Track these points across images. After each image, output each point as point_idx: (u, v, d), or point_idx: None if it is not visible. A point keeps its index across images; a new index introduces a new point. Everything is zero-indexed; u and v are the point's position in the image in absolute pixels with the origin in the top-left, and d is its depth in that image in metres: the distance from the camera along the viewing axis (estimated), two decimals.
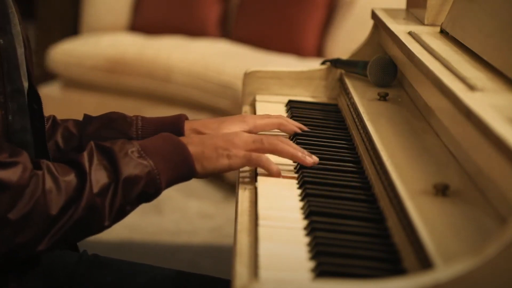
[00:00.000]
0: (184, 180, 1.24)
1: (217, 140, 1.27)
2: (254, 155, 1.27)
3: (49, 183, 1.11)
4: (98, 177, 1.15)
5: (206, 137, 1.29)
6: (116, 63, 3.86)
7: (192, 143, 1.25)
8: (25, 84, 1.25)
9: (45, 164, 1.13)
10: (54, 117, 1.48)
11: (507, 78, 1.23)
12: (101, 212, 1.14)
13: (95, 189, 1.13)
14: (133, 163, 1.17)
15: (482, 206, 1.06)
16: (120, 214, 1.17)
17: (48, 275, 1.36)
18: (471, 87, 1.19)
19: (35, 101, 1.29)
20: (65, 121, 1.47)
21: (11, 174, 1.09)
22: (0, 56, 1.18)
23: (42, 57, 4.23)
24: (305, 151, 1.32)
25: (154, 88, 3.77)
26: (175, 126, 1.43)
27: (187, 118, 1.46)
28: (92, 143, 1.19)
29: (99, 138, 1.40)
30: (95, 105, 3.85)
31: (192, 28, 4.09)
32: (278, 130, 1.50)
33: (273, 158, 1.31)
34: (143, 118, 1.45)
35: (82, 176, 1.14)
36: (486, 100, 1.13)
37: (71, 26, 4.46)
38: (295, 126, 1.50)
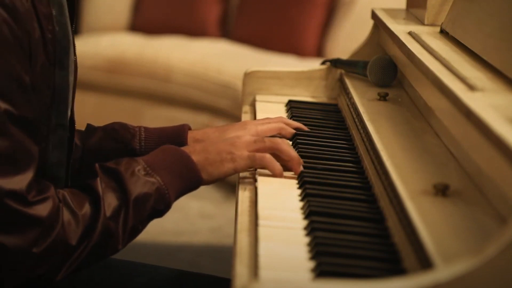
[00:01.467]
0: (192, 190, 1.25)
1: (220, 145, 1.27)
2: (258, 155, 1.27)
3: (66, 215, 1.12)
4: (109, 200, 1.15)
5: (208, 143, 1.29)
6: (116, 63, 3.86)
7: (195, 152, 1.25)
8: (67, 121, 1.23)
9: (61, 195, 1.13)
10: None
11: (507, 78, 1.23)
12: (115, 236, 1.15)
13: (108, 213, 1.14)
14: (141, 182, 1.17)
15: (482, 206, 1.06)
16: (133, 234, 1.18)
17: None
18: (471, 87, 1.19)
19: (71, 131, 1.27)
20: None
21: (43, 210, 1.09)
22: (53, 91, 1.17)
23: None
24: (300, 160, 1.32)
25: (154, 88, 3.77)
26: (178, 137, 1.42)
27: (190, 128, 1.45)
28: (97, 165, 1.19)
29: (101, 149, 1.41)
30: (94, 105, 3.85)
31: (192, 28, 4.09)
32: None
33: None
34: (146, 129, 1.44)
35: (96, 202, 1.14)
36: (486, 100, 1.13)
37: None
38: (295, 127, 1.50)
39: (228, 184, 3.45)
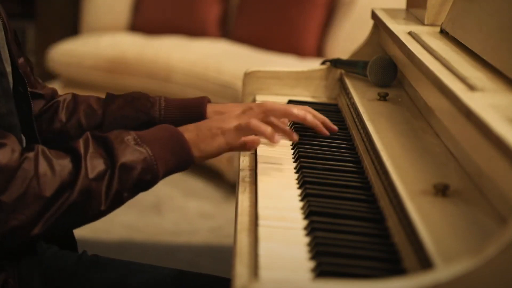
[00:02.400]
0: (183, 168, 1.24)
1: (211, 121, 1.29)
2: (243, 122, 1.27)
3: (43, 166, 1.11)
4: (95, 163, 1.15)
5: (201, 122, 1.29)
6: (116, 63, 3.86)
7: (187, 130, 1.25)
8: (8, 69, 1.25)
9: (40, 148, 1.13)
10: (74, 95, 1.50)
11: (507, 78, 1.23)
12: (97, 197, 1.14)
13: (91, 175, 1.14)
14: (130, 150, 1.18)
15: (482, 206, 1.06)
16: (117, 200, 1.17)
17: (49, 275, 1.36)
18: (471, 87, 1.19)
19: (21, 84, 1.30)
20: (87, 97, 1.48)
21: (0, 156, 1.09)
22: None
23: (42, 57, 4.23)
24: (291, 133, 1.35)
25: (154, 88, 3.77)
26: (198, 108, 1.45)
27: (209, 101, 1.47)
28: (88, 133, 1.19)
29: (121, 116, 1.44)
30: None
31: (192, 28, 4.09)
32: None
33: (270, 154, 1.30)
34: (166, 99, 1.46)
35: (77, 160, 1.14)
36: (486, 100, 1.13)
37: (71, 26, 4.46)
38: (321, 120, 1.47)
39: (228, 184, 3.45)
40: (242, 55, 3.79)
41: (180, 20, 4.13)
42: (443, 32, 1.63)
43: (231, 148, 1.28)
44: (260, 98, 1.79)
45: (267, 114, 1.33)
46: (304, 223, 1.13)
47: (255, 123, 1.28)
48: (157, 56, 3.80)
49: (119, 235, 3.00)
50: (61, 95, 1.52)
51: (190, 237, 3.06)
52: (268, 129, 1.28)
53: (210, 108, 1.46)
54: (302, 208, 1.18)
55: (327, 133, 1.46)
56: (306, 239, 1.08)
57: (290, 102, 1.76)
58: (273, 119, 1.33)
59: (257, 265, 0.99)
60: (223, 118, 1.29)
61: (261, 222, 1.12)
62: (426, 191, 1.11)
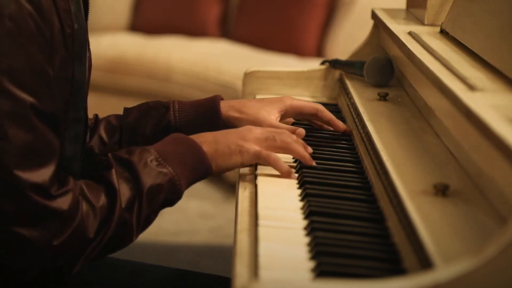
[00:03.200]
0: (202, 179, 1.26)
1: (230, 137, 1.29)
2: (264, 152, 1.28)
3: (85, 207, 1.13)
4: (123, 191, 1.16)
5: (219, 134, 1.30)
6: (116, 63, 3.86)
7: (206, 142, 1.26)
8: (84, 115, 1.25)
9: (79, 187, 1.14)
10: (96, 115, 1.50)
11: (507, 78, 1.23)
12: (130, 227, 1.16)
13: (123, 205, 1.15)
14: (154, 173, 1.19)
15: (482, 206, 1.06)
16: (146, 224, 1.20)
17: None
18: (471, 87, 1.19)
19: (86, 126, 1.29)
20: (107, 116, 1.49)
21: (63, 203, 1.10)
22: (72, 84, 1.17)
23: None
24: (309, 149, 1.34)
25: (154, 88, 3.77)
26: (212, 108, 1.44)
27: (222, 99, 1.47)
28: (110, 156, 1.20)
29: (139, 127, 1.44)
30: (95, 105, 3.83)
31: (192, 28, 4.09)
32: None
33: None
34: (179, 102, 1.46)
35: (112, 194, 1.15)
36: (486, 100, 1.13)
37: None
38: (332, 117, 1.51)
39: (228, 184, 3.45)
40: (242, 55, 3.79)
41: (180, 20, 4.13)
42: (443, 32, 1.63)
43: (243, 166, 1.31)
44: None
45: (286, 152, 1.32)
46: (304, 223, 1.13)
47: (275, 159, 1.29)
48: (157, 56, 3.80)
49: None
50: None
51: (190, 237, 3.06)
52: (285, 168, 1.29)
53: (224, 104, 1.45)
54: (302, 208, 1.18)
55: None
56: (306, 239, 1.07)
57: None
58: (294, 148, 1.32)
59: (257, 265, 0.99)
60: (244, 135, 1.29)
61: (261, 222, 1.12)
62: (426, 191, 1.11)
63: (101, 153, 1.44)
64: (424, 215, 1.03)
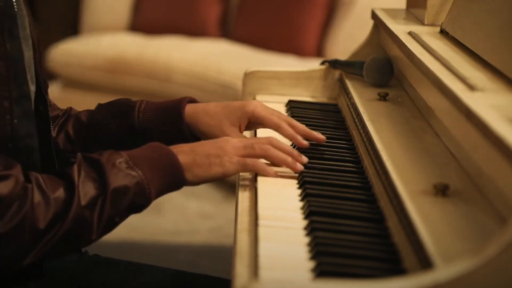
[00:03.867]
0: (174, 189, 1.22)
1: (208, 148, 1.25)
2: (249, 160, 1.25)
3: (37, 196, 1.10)
4: (87, 189, 1.13)
5: (196, 144, 1.26)
6: (116, 63, 3.86)
7: (183, 152, 1.22)
8: (32, 88, 1.24)
9: (34, 177, 1.12)
10: (70, 109, 1.50)
11: (507, 78, 1.23)
12: (89, 225, 1.12)
13: (83, 202, 1.12)
14: (122, 174, 1.15)
15: (482, 206, 1.06)
16: (109, 226, 1.15)
17: (49, 275, 1.36)
18: (471, 87, 1.19)
19: (42, 103, 1.29)
20: (79, 112, 1.48)
21: (3, 187, 1.08)
22: (7, 61, 1.16)
23: (42, 57, 4.23)
24: (295, 152, 1.30)
25: (154, 88, 3.78)
26: (175, 110, 1.41)
27: (192, 101, 1.43)
28: (79, 155, 1.18)
29: (104, 125, 1.42)
30: (95, 105, 3.84)
31: (192, 28, 4.09)
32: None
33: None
34: (147, 102, 1.44)
35: (71, 189, 1.12)
36: (486, 100, 1.13)
37: (71, 26, 4.46)
38: (298, 134, 1.39)
39: (228, 184, 3.45)
40: (242, 55, 3.79)
41: (180, 20, 4.13)
42: (443, 32, 1.63)
43: (226, 176, 1.26)
44: (260, 98, 1.79)
45: (266, 158, 1.29)
46: (304, 223, 1.13)
47: (262, 166, 1.26)
48: (157, 56, 3.80)
49: (119, 235, 3.00)
50: (60, 109, 1.51)
51: (190, 237, 3.06)
52: (274, 172, 1.27)
53: (189, 109, 1.41)
54: (302, 208, 1.18)
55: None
56: (306, 239, 1.07)
57: (290, 102, 1.76)
58: (274, 154, 1.28)
59: (257, 265, 0.99)
60: (222, 146, 1.25)
61: (261, 222, 1.12)
62: (426, 191, 1.11)
63: (66, 149, 1.42)
64: (424, 215, 1.03)
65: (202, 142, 1.30)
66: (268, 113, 1.40)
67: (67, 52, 4.00)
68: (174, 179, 1.20)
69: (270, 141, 1.29)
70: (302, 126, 1.40)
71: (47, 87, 1.45)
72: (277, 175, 1.28)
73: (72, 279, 1.39)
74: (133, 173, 1.16)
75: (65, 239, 1.12)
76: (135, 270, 1.44)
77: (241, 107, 1.41)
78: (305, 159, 1.30)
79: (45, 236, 1.10)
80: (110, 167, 1.15)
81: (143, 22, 4.21)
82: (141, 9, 4.22)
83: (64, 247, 1.14)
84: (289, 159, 1.29)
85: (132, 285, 1.40)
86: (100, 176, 1.14)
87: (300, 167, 1.29)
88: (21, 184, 1.10)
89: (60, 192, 1.12)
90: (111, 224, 1.16)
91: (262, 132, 1.49)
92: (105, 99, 4.41)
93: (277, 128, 1.39)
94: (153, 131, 1.41)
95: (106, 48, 3.93)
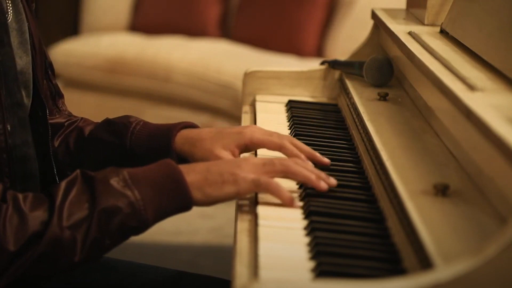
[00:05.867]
0: (182, 210, 1.15)
1: (224, 166, 1.17)
2: (263, 180, 1.15)
3: (12, 217, 1.05)
4: (74, 210, 1.07)
5: (212, 163, 1.19)
6: (116, 63, 3.86)
7: (194, 171, 1.15)
8: (26, 97, 1.21)
9: (12, 197, 1.07)
10: (80, 119, 1.45)
11: (507, 78, 1.23)
12: (70, 247, 1.06)
13: (67, 223, 1.06)
14: (114, 194, 1.08)
15: (482, 206, 1.06)
16: (97, 248, 1.09)
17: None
18: (471, 87, 1.19)
19: (40, 109, 1.27)
20: (88, 124, 1.43)
21: None
22: None
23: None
24: (322, 174, 1.22)
25: (154, 88, 3.77)
26: (167, 135, 1.35)
27: (191, 126, 1.38)
28: (78, 171, 1.12)
29: (98, 140, 1.38)
30: (95, 105, 3.85)
31: (192, 28, 4.09)
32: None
33: (271, 154, 1.30)
34: (143, 123, 1.38)
35: (52, 208, 1.07)
36: (486, 100, 1.13)
37: (71, 26, 4.46)
38: (301, 152, 1.31)
39: None
40: (242, 55, 3.79)
41: (180, 20, 4.13)
42: (443, 32, 1.63)
43: (240, 196, 1.18)
44: (260, 98, 1.79)
45: (287, 175, 1.20)
46: (304, 223, 1.13)
47: (276, 187, 1.16)
48: (157, 56, 3.80)
49: None
50: (71, 118, 1.46)
51: (190, 237, 3.06)
52: (286, 195, 1.17)
53: (181, 136, 1.35)
54: (302, 208, 1.18)
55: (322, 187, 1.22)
56: (306, 239, 1.07)
57: (290, 102, 1.76)
58: (296, 170, 1.20)
59: (257, 265, 0.99)
60: (239, 164, 1.17)
61: (261, 222, 1.12)
62: (426, 191, 1.11)
63: (64, 161, 1.39)
64: (424, 215, 1.03)
65: (219, 160, 1.25)
66: (267, 135, 1.34)
67: (67, 52, 4.00)
68: (179, 199, 1.13)
69: (294, 159, 1.24)
70: (306, 147, 1.33)
71: (56, 89, 1.42)
72: (292, 202, 1.17)
73: (72, 279, 1.39)
74: (128, 192, 1.09)
75: (41, 260, 1.06)
76: (135, 270, 1.44)
77: (237, 132, 1.34)
78: (333, 181, 1.21)
79: (17, 258, 1.05)
80: (104, 186, 1.09)
81: (143, 22, 4.20)
82: (141, 9, 4.22)
83: (42, 269, 1.08)
84: (313, 176, 1.19)
85: (132, 286, 1.40)
86: (91, 195, 1.09)
87: (324, 186, 1.19)
88: None
89: (39, 213, 1.06)
90: (100, 247, 1.09)
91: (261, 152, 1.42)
92: (105, 99, 4.40)
93: (280, 149, 1.32)
94: (142, 156, 1.35)
95: (106, 48, 3.92)
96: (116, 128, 1.38)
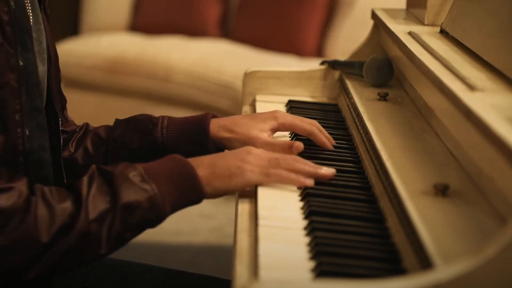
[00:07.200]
0: (193, 203, 1.19)
1: (230, 158, 1.21)
2: (273, 171, 1.21)
3: (41, 209, 1.08)
4: (97, 203, 1.10)
5: (217, 156, 1.23)
6: (116, 63, 3.86)
7: (203, 165, 1.19)
8: (43, 103, 1.22)
9: (40, 189, 1.10)
10: (87, 124, 1.48)
11: (507, 78, 1.23)
12: (97, 240, 1.10)
13: (92, 216, 1.09)
14: (134, 188, 1.12)
15: (482, 206, 1.06)
16: (119, 241, 1.13)
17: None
18: (471, 87, 1.19)
19: (53, 118, 1.28)
20: (97, 127, 1.45)
21: (5, 199, 1.06)
22: (19, 74, 1.14)
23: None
24: (323, 167, 1.26)
25: (154, 88, 3.77)
26: (201, 124, 1.40)
27: (215, 116, 1.42)
28: (94, 166, 1.15)
29: (125, 141, 1.41)
30: (95, 105, 3.85)
31: (192, 28, 4.09)
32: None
33: None
34: (169, 118, 1.42)
35: (79, 202, 1.10)
36: (486, 100, 1.13)
37: (71, 26, 4.46)
38: (326, 139, 1.42)
39: None
40: (242, 55, 3.79)
41: (180, 20, 4.13)
42: (443, 32, 1.63)
43: (247, 187, 1.22)
44: (260, 98, 1.79)
45: (293, 168, 1.24)
46: (304, 223, 1.13)
47: (287, 176, 1.22)
48: (157, 56, 3.80)
49: None
50: (77, 125, 1.49)
51: (190, 237, 3.06)
52: (302, 181, 1.22)
53: (214, 123, 1.40)
54: (302, 208, 1.18)
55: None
56: (306, 239, 1.08)
57: (290, 102, 1.76)
58: (300, 168, 1.25)
59: (257, 265, 0.99)
60: (244, 158, 1.21)
61: (261, 222, 1.12)
62: (426, 191, 1.11)
63: (86, 164, 1.40)
64: (424, 215, 1.03)
65: (224, 153, 1.28)
66: (299, 120, 1.43)
67: (67, 52, 3.99)
68: (192, 193, 1.17)
69: (295, 158, 1.26)
70: (330, 138, 1.44)
71: (65, 102, 1.44)
72: (305, 183, 1.22)
73: (72, 279, 1.39)
74: (147, 187, 1.13)
75: (70, 253, 1.09)
76: (135, 270, 1.44)
77: (271, 117, 1.42)
78: (332, 171, 1.27)
79: (48, 249, 1.08)
80: (123, 181, 1.13)
81: (143, 22, 4.20)
82: (141, 9, 4.22)
83: (70, 261, 1.11)
84: (318, 170, 1.25)
85: (132, 286, 1.40)
86: (111, 190, 1.12)
87: (326, 174, 1.26)
88: (24, 196, 1.08)
89: (67, 205, 1.10)
90: (122, 239, 1.13)
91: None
92: (105, 99, 4.40)
93: (309, 135, 1.42)
94: (178, 147, 1.38)
95: (106, 48, 3.92)
96: (140, 125, 1.42)
